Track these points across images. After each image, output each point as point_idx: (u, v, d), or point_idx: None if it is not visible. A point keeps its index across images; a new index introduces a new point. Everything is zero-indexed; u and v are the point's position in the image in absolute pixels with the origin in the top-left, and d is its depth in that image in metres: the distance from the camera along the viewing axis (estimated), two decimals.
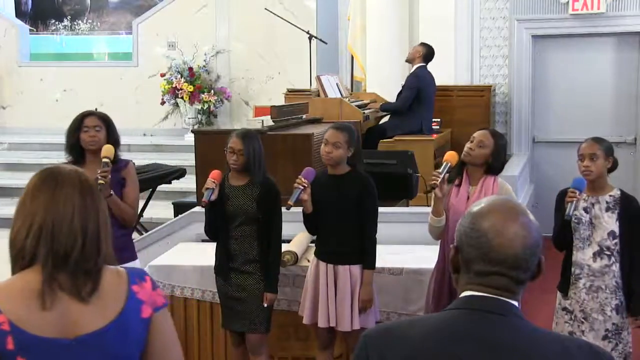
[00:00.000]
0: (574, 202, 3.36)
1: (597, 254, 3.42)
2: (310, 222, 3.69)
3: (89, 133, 3.59)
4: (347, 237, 3.61)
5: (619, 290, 3.41)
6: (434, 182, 3.33)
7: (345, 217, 3.61)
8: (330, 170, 3.67)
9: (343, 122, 4.19)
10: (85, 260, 1.58)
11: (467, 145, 3.44)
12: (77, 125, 3.61)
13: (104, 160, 3.50)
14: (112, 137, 3.65)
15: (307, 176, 3.54)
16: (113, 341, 1.58)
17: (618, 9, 7.19)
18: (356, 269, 3.63)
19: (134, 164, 3.82)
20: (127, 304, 1.61)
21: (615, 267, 3.40)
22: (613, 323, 3.42)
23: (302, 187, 3.51)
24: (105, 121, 3.67)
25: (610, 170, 3.46)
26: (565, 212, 3.37)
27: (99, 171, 3.44)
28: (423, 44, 6.86)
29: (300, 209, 4.39)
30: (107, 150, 3.54)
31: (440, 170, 3.38)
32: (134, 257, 3.79)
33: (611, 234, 3.40)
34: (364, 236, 3.62)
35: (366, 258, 3.62)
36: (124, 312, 1.60)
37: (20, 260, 1.59)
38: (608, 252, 3.40)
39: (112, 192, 3.54)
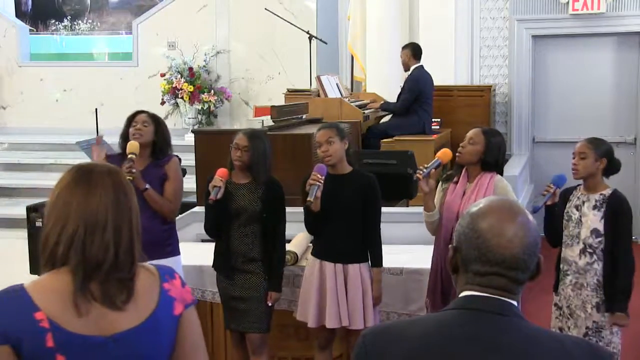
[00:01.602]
0: (548, 195, 3.45)
1: (582, 252, 3.45)
2: (315, 222, 3.66)
3: (136, 127, 3.74)
4: (354, 236, 3.62)
5: (600, 289, 3.42)
6: (418, 174, 3.38)
7: (352, 217, 3.61)
8: (331, 170, 3.65)
9: (326, 122, 4.21)
10: (118, 270, 1.57)
11: (460, 145, 3.48)
12: (129, 122, 3.79)
13: (129, 156, 3.60)
14: (161, 136, 3.80)
15: (320, 172, 3.53)
16: (147, 339, 1.59)
17: (618, 9, 7.21)
18: (365, 267, 3.65)
19: (179, 159, 3.91)
20: (160, 301, 1.61)
21: (598, 266, 3.42)
22: (594, 321, 3.43)
23: (320, 184, 3.49)
24: (156, 120, 3.82)
25: (610, 172, 3.47)
26: (549, 206, 3.45)
27: (124, 167, 3.52)
28: (407, 46, 6.88)
29: (297, 209, 4.38)
30: (132, 146, 3.65)
31: (427, 165, 3.41)
32: (177, 251, 3.82)
33: (594, 232, 3.41)
34: (370, 235, 3.64)
35: (375, 257, 3.65)
36: (157, 310, 1.60)
37: (50, 264, 1.57)
38: (590, 250, 3.43)
39: (147, 186, 3.63)
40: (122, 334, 1.57)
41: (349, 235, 3.62)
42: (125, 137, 3.77)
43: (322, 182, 3.48)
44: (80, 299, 1.53)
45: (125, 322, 1.57)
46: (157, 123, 3.81)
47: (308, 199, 3.47)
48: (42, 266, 1.59)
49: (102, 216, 1.57)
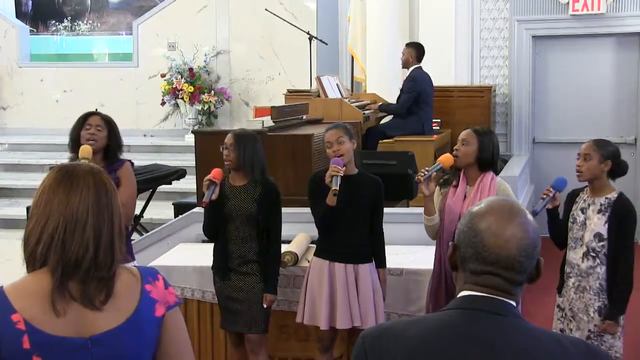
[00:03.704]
0: (547, 199, 3.42)
1: (585, 255, 3.43)
2: (329, 220, 3.62)
3: (90, 131, 3.63)
4: (365, 237, 3.65)
5: (602, 293, 3.39)
6: (419, 177, 3.39)
7: (363, 218, 3.64)
8: None
9: (329, 122, 4.20)
10: (97, 269, 1.57)
11: (454, 148, 3.49)
12: (80, 123, 3.66)
13: (82, 161, 3.46)
14: (114, 139, 3.69)
15: (339, 164, 3.52)
16: (127, 340, 1.58)
17: (618, 10, 7.22)
18: (373, 267, 3.68)
19: (132, 163, 3.81)
20: (141, 303, 1.61)
21: (600, 269, 3.39)
22: (595, 325, 3.41)
23: (341, 174, 3.48)
24: (109, 123, 3.71)
25: (616, 174, 3.43)
26: (547, 209, 3.43)
27: None
28: (412, 45, 6.90)
29: (297, 210, 4.34)
30: (84, 151, 3.54)
31: (428, 168, 3.43)
32: (131, 258, 3.74)
33: (597, 235, 3.38)
34: (377, 236, 3.69)
35: (381, 257, 3.70)
36: (138, 312, 1.60)
37: (31, 263, 1.58)
38: (593, 254, 3.40)
39: None
40: (101, 335, 1.56)
41: (360, 236, 3.64)
42: (76, 139, 3.65)
43: (342, 173, 3.50)
44: (58, 298, 1.53)
45: (105, 323, 1.57)
46: (110, 126, 3.69)
47: (333, 188, 3.47)
48: (26, 266, 1.59)
49: (82, 215, 1.57)
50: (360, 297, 3.61)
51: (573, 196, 3.54)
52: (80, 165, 1.65)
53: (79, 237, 1.56)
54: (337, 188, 3.46)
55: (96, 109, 7.72)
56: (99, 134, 3.64)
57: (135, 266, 1.68)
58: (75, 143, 3.66)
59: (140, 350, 1.60)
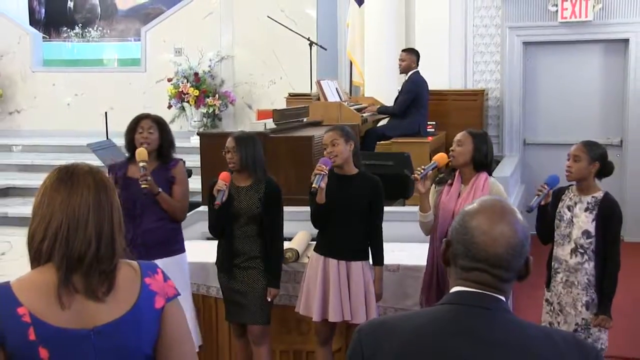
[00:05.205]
0: (541, 196, 3.50)
1: (573, 251, 3.52)
2: (321, 216, 3.69)
3: (142, 134, 3.78)
4: (358, 235, 3.70)
5: (590, 288, 3.49)
6: (415, 175, 3.47)
7: (357, 216, 3.68)
8: (338, 170, 3.70)
9: (328, 124, 4.26)
10: (100, 263, 1.62)
11: (450, 149, 3.61)
12: (133, 127, 3.83)
13: (141, 165, 3.67)
14: (166, 138, 3.85)
15: (325, 164, 3.59)
16: (128, 331, 1.63)
17: (605, 18, 7.35)
18: (367, 264, 3.73)
19: (184, 162, 3.98)
20: (141, 295, 1.65)
21: (589, 265, 3.48)
22: (583, 318, 3.52)
23: (324, 174, 3.54)
24: (160, 124, 3.85)
25: (603, 174, 3.52)
26: (541, 206, 3.54)
27: (139, 176, 3.65)
28: (409, 51, 7.02)
29: (298, 209, 4.50)
30: (141, 154, 3.70)
31: (424, 167, 3.51)
32: (182, 249, 3.92)
33: (585, 233, 3.48)
34: (374, 235, 3.73)
35: (378, 255, 3.74)
36: (138, 304, 1.64)
37: (36, 260, 1.63)
38: (582, 250, 3.49)
39: (160, 189, 3.73)
40: (103, 327, 1.60)
41: (353, 234, 3.69)
42: (130, 142, 3.82)
43: (326, 172, 3.56)
44: (64, 292, 1.58)
45: (106, 314, 1.61)
46: (162, 127, 3.83)
47: (313, 185, 3.52)
48: (30, 263, 1.65)
49: (84, 213, 1.62)
50: (352, 293, 3.67)
51: (558, 194, 3.60)
52: (79, 166, 1.69)
53: (82, 234, 1.61)
54: (317, 186, 3.52)
55: (106, 112, 7.91)
56: (151, 137, 3.78)
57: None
58: (130, 145, 3.83)
59: (141, 340, 1.64)
